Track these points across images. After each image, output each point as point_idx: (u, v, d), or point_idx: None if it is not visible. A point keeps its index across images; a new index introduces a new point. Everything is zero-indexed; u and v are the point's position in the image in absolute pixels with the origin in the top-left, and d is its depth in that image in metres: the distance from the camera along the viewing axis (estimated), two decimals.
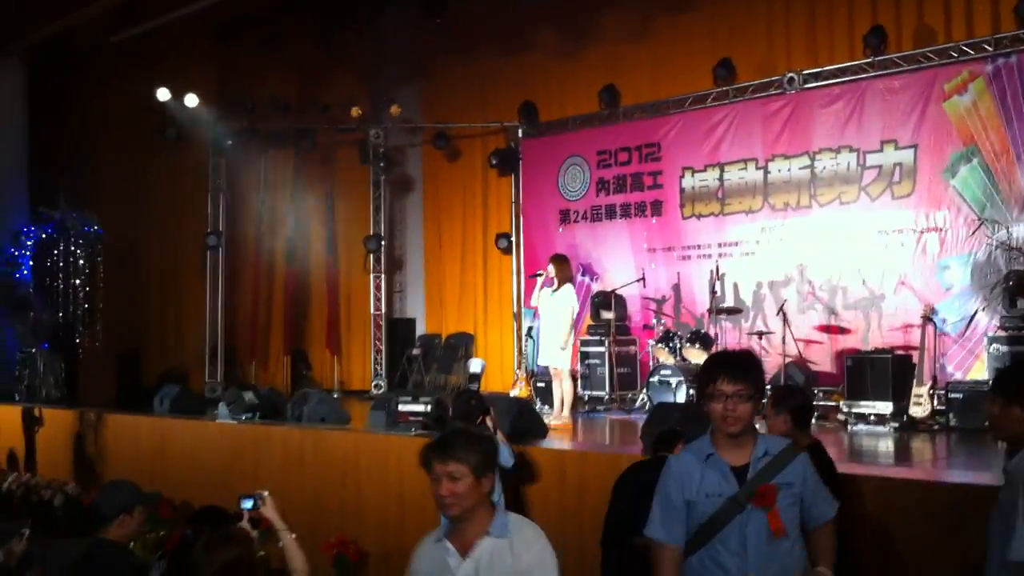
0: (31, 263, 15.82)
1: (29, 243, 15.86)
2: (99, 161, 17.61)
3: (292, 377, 16.81)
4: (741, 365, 3.87)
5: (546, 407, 10.89)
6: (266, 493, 4.69)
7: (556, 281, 10.35)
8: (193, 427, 10.93)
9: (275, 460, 9.65)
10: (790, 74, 12.41)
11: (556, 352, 10.41)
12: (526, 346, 14.17)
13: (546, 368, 11.11)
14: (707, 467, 3.80)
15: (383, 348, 16.40)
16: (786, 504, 3.76)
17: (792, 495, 3.80)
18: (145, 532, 9.07)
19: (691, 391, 11.10)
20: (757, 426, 4.26)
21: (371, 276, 16.59)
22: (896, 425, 9.69)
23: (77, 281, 15.84)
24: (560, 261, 10.65)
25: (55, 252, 15.85)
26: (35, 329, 15.15)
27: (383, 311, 16.54)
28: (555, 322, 10.41)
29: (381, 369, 16.31)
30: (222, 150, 16.48)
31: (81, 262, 15.90)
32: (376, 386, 16.00)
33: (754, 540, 3.70)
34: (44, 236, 15.88)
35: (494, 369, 15.42)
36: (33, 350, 14.89)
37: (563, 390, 10.38)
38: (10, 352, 15.58)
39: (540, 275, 10.51)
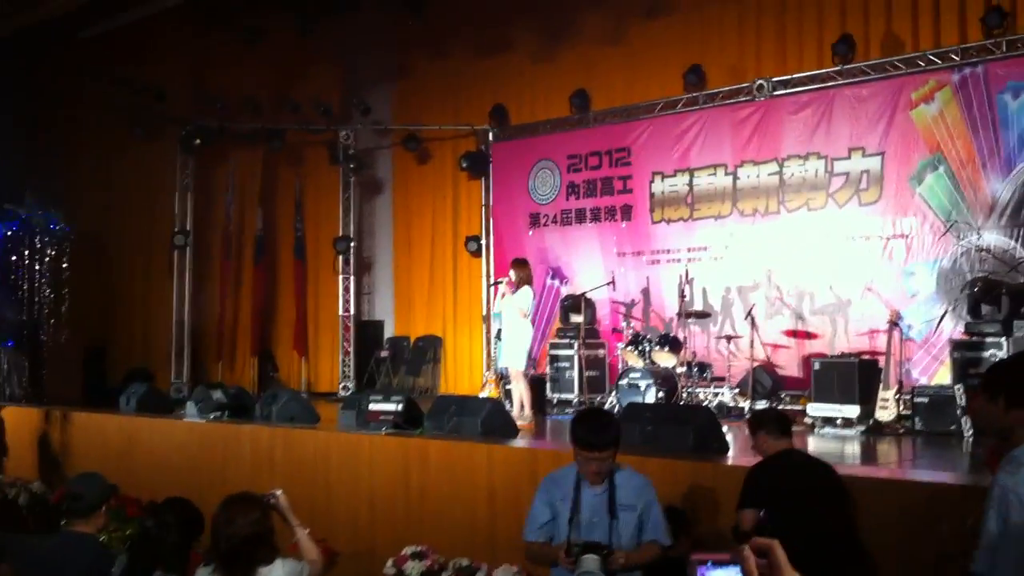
0: None
1: None
2: (66, 159, 17.45)
3: (259, 378, 16.75)
4: None
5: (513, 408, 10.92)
6: (279, 492, 4.73)
7: (515, 285, 10.49)
8: (161, 426, 10.84)
9: (244, 459, 9.60)
10: (760, 81, 12.54)
11: (512, 354, 10.60)
12: (495, 349, 14.20)
13: (507, 370, 11.27)
14: None
15: (351, 350, 16.38)
16: None
17: None
18: (111, 530, 8.99)
19: (660, 394, 11.17)
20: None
21: (340, 277, 16.60)
22: (862, 429, 9.80)
23: (42, 279, 15.67)
24: (518, 265, 10.83)
25: (20, 250, 15.68)
26: None
27: (352, 313, 16.54)
28: (512, 323, 10.62)
29: (349, 371, 16.29)
30: (190, 149, 16.39)
31: (47, 260, 15.73)
32: (344, 388, 15.97)
33: None
34: (9, 233, 15.70)
35: (463, 371, 15.45)
36: None
37: (520, 390, 10.50)
38: None
39: (500, 282, 10.68)
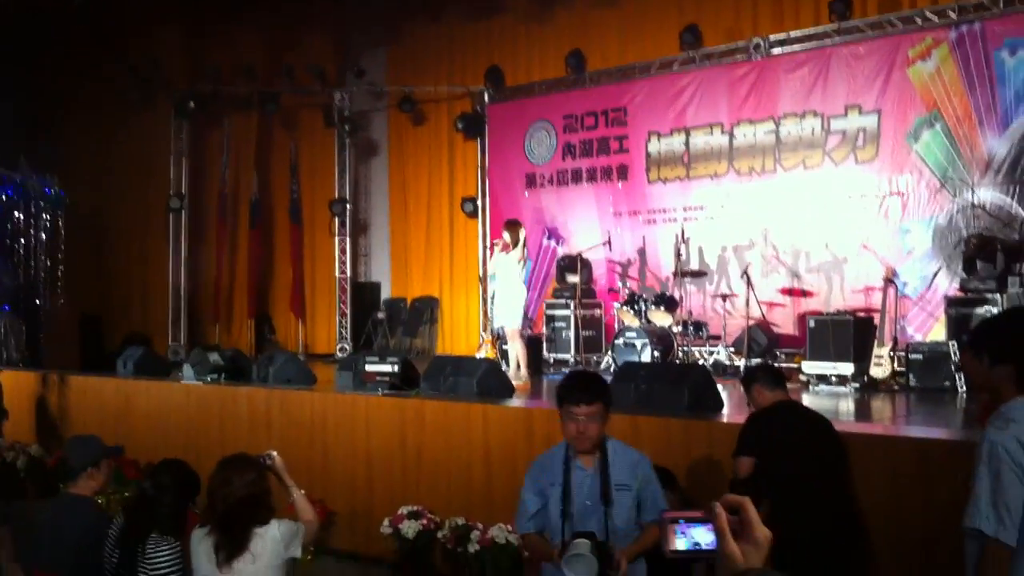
0: None
1: None
2: (61, 123, 17.38)
3: (256, 341, 16.76)
4: None
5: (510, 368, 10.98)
6: (275, 453, 4.76)
7: (510, 246, 10.57)
8: (158, 388, 10.85)
9: (241, 421, 9.61)
10: (756, 40, 12.48)
11: (507, 313, 10.67)
12: (491, 309, 14.22)
13: (503, 329, 11.33)
14: None
15: (348, 312, 16.39)
16: None
17: None
18: (110, 492, 9.02)
19: (656, 353, 11.20)
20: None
21: (336, 240, 16.57)
22: (857, 386, 9.85)
23: (39, 244, 15.65)
24: (510, 226, 10.88)
25: (16, 215, 15.65)
26: None
27: (348, 275, 16.53)
28: (507, 284, 10.67)
29: (346, 333, 16.32)
30: (185, 114, 16.32)
31: (43, 225, 15.71)
32: (341, 349, 16.01)
33: None
34: (4, 198, 15.66)
35: (460, 332, 15.47)
36: None
37: (516, 350, 10.53)
38: None
39: (496, 244, 10.78)
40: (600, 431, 4.28)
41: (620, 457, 4.34)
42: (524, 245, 10.73)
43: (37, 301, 15.31)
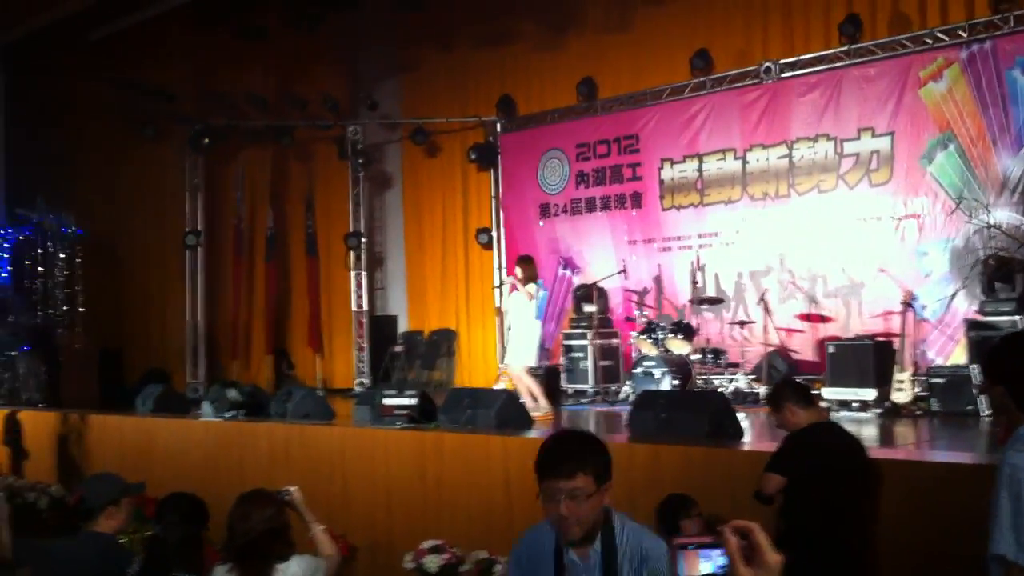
0: (9, 266, 15.74)
1: (7, 245, 15.78)
2: (77, 161, 17.52)
3: (275, 376, 16.77)
4: None
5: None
6: (293, 488, 4.76)
7: (522, 282, 10.53)
8: (177, 426, 10.89)
9: (261, 457, 9.63)
10: (767, 64, 12.48)
11: (513, 352, 10.66)
12: (508, 341, 14.21)
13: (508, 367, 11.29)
14: None
15: (366, 346, 16.39)
16: None
17: None
18: (131, 531, 9.02)
19: (675, 381, 11.15)
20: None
21: (352, 273, 16.59)
22: (879, 411, 9.77)
23: (56, 283, 15.75)
24: (523, 262, 10.81)
25: (34, 254, 15.77)
26: (15, 332, 15.04)
27: (365, 308, 16.55)
28: (516, 322, 10.69)
29: (364, 367, 16.30)
30: (199, 148, 16.43)
31: (60, 263, 15.82)
32: (359, 384, 15.99)
33: None
34: (22, 238, 15.80)
35: (478, 364, 15.45)
36: (14, 353, 14.78)
37: (526, 386, 10.45)
38: None
39: (503, 283, 10.79)
40: (593, 512, 3.24)
41: (631, 546, 3.32)
42: (536, 279, 10.69)
43: (56, 339, 15.39)
